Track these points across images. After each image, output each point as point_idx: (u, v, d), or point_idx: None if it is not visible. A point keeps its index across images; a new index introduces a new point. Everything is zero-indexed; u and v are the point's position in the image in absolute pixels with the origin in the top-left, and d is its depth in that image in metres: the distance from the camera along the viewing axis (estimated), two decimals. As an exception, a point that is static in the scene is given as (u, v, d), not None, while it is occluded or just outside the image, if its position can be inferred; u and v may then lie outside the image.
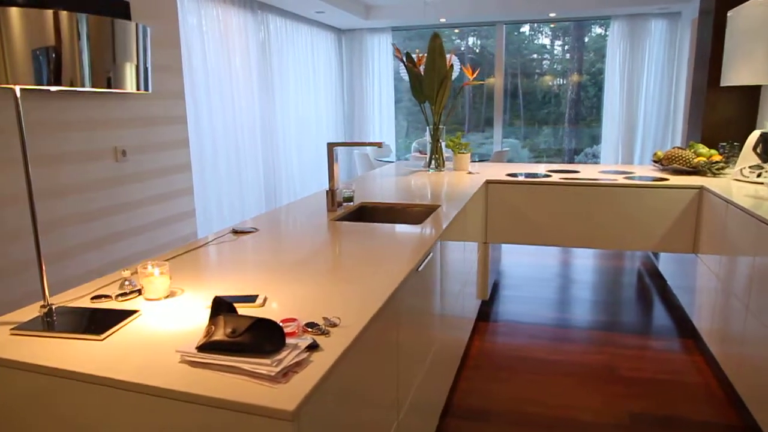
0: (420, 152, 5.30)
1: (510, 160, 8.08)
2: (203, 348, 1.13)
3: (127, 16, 3.17)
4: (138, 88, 1.27)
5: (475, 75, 3.87)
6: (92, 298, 1.49)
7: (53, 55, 1.14)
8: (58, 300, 1.49)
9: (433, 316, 2.12)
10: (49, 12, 1.13)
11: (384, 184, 3.38)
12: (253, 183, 5.74)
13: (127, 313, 1.37)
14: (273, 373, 1.04)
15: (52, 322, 1.32)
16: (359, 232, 2.17)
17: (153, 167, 3.49)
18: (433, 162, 3.98)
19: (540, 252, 5.18)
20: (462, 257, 2.78)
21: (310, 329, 1.24)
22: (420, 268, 1.79)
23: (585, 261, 4.93)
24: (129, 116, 3.28)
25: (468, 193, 2.99)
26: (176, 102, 3.68)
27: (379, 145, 2.49)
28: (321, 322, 1.29)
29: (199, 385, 1.03)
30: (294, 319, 1.29)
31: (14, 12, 1.11)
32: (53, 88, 1.17)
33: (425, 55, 3.67)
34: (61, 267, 2.90)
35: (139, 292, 1.52)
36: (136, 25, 1.24)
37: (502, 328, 3.49)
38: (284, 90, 6.30)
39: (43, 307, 1.34)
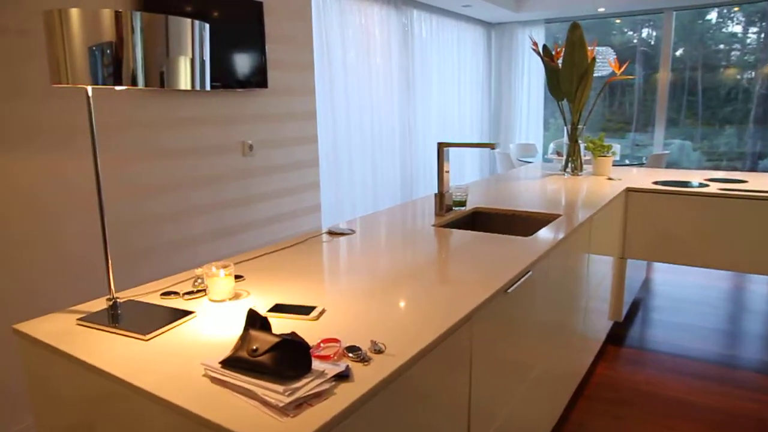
0: (558, 154, 4.91)
1: (674, 165, 7.24)
2: (226, 363, 1.06)
3: (260, 16, 3.27)
4: (193, 86, 1.22)
5: (622, 69, 3.44)
6: (162, 294, 1.50)
7: (109, 51, 1.12)
8: (133, 293, 1.52)
9: (534, 338, 1.88)
10: (107, 11, 1.12)
11: (507, 188, 3.13)
12: (388, 180, 5.74)
13: (183, 314, 1.35)
14: (282, 404, 0.93)
15: (116, 315, 1.34)
16: (457, 241, 1.99)
17: (279, 162, 3.59)
18: (569, 165, 3.63)
19: (700, 272, 4.53)
20: (586, 272, 2.47)
21: (350, 354, 1.11)
22: (510, 290, 1.57)
23: (754, 287, 4.21)
24: (258, 112, 3.39)
25: (599, 203, 2.65)
26: (307, 98, 3.75)
27: (491, 146, 2.28)
28: (367, 347, 1.16)
29: (207, 405, 0.95)
30: (336, 340, 1.17)
31: (73, 12, 1.11)
32: (119, 87, 1.16)
33: (564, 47, 3.34)
34: (191, 254, 3.08)
35: (206, 291, 1.50)
36: (192, 21, 1.20)
37: (633, 355, 3.08)
38: (426, 87, 6.21)
39: (108, 300, 1.36)
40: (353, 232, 2.18)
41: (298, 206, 3.77)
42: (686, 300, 3.89)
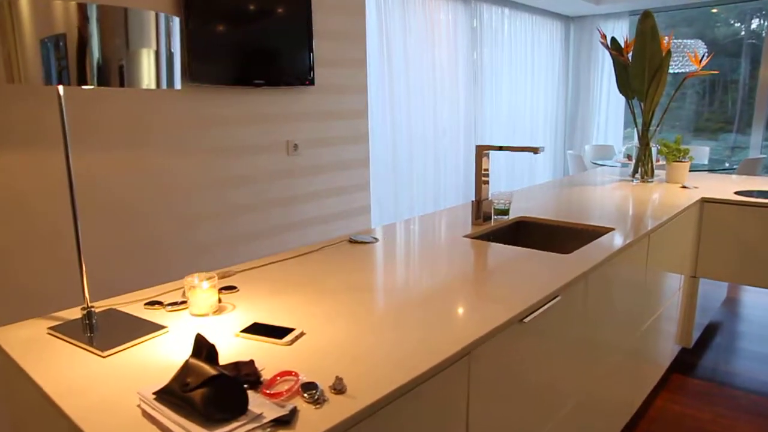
0: (628, 157, 4.51)
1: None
2: (159, 395, 0.94)
3: (308, 11, 3.17)
4: (159, 83, 1.11)
5: (703, 64, 3.07)
6: (146, 304, 1.42)
7: (62, 44, 1.04)
8: (119, 301, 1.45)
9: (564, 368, 1.65)
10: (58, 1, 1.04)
11: (563, 195, 2.87)
12: (451, 180, 5.53)
13: (154, 328, 1.25)
14: (197, 455, 0.80)
15: (91, 326, 1.27)
16: (483, 256, 1.79)
17: (326, 162, 3.49)
18: (639, 170, 3.29)
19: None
20: (642, 291, 2.19)
21: (305, 393, 0.97)
22: (527, 319, 1.36)
23: None
24: (304, 110, 3.31)
25: (665, 215, 2.35)
26: (357, 96, 3.63)
27: (535, 150, 2.05)
28: (328, 384, 1.00)
29: (121, 448, 0.84)
30: (294, 374, 1.03)
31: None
32: (86, 87, 1.07)
33: (635, 40, 3.02)
34: (231, 253, 3.05)
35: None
36: (156, 13, 1.09)
37: (702, 387, 2.73)
38: (495, 84, 5.94)
39: (83, 309, 1.29)
40: (376, 240, 2.03)
41: (345, 207, 3.67)
42: (774, 326, 3.44)
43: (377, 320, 1.28)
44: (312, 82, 3.26)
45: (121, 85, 1.07)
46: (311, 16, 3.20)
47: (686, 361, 2.99)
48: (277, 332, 1.23)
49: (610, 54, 3.18)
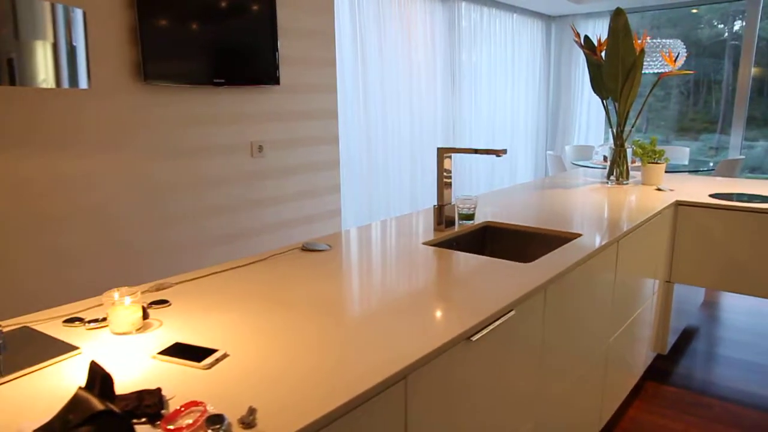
0: (604, 159, 4.44)
1: (758, 171, 6.54)
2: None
3: (272, 8, 3.06)
4: (59, 80, 1.00)
5: (678, 63, 3.00)
6: (64, 321, 1.30)
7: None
8: (40, 317, 1.33)
9: (522, 386, 1.56)
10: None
11: (533, 199, 2.78)
12: (428, 183, 5.44)
13: (65, 349, 1.14)
14: None
15: (-4, 347, 1.15)
16: (438, 266, 1.69)
17: (293, 163, 3.38)
18: (615, 172, 3.21)
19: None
20: (611, 299, 2.11)
21: (209, 428, 0.86)
22: (476, 337, 1.27)
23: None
24: (269, 111, 3.20)
25: (636, 219, 2.27)
26: (326, 96, 3.52)
27: (498, 153, 1.96)
28: (237, 417, 0.90)
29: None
30: (201, 405, 0.92)
31: None
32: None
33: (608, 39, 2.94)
34: (194, 257, 2.93)
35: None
36: (52, 3, 0.98)
37: (676, 396, 2.65)
38: (475, 84, 5.86)
39: (-12, 328, 1.18)
40: (329, 248, 1.92)
41: (315, 210, 3.56)
42: (754, 332, 3.38)
43: (311, 340, 1.18)
44: (277, 82, 3.15)
45: (11, 82, 0.96)
46: (276, 13, 3.09)
47: (661, 369, 2.92)
48: (197, 354, 1.12)
49: (584, 53, 3.10)
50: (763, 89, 6.78)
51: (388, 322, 1.25)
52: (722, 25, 6.97)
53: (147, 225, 2.71)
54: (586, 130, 7.09)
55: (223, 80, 2.89)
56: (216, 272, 1.66)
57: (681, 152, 6.12)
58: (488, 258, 1.75)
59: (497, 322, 1.34)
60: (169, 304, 1.42)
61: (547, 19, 7.10)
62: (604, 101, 3.14)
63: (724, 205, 2.60)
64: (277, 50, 3.12)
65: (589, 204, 2.62)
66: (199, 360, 1.09)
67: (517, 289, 1.45)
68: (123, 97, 2.57)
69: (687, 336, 3.32)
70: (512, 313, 1.41)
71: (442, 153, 2.08)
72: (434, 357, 1.15)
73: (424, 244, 1.95)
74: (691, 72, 3.15)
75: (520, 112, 6.73)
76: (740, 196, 2.76)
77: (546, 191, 2.99)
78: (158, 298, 1.46)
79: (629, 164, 3.19)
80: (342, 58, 4.28)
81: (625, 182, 3.19)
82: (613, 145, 3.19)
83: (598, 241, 1.94)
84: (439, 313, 1.30)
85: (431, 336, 1.18)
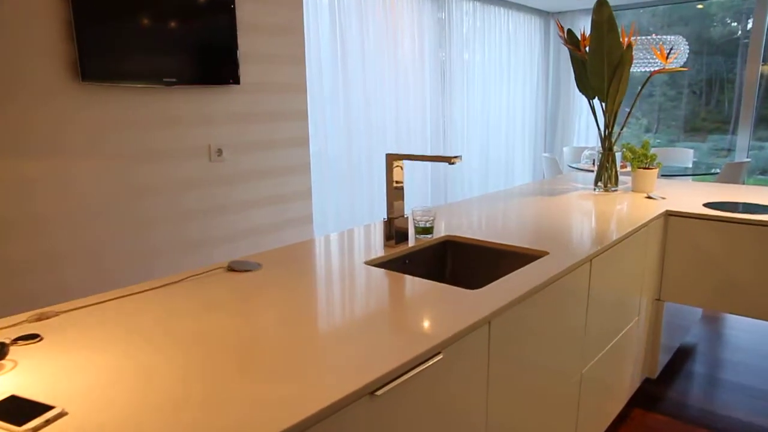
0: (594, 163, 4.17)
1: (764, 172, 6.24)
2: None
3: (229, 1, 2.84)
4: None
5: (671, 60, 2.74)
6: None
7: None
8: None
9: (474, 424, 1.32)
10: None
11: (507, 209, 2.54)
12: (416, 186, 5.20)
13: None
14: None
15: None
16: (371, 293, 1.46)
17: (258, 167, 3.16)
18: (603, 178, 2.96)
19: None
20: (583, 324, 1.86)
21: None
22: (381, 392, 1.03)
23: None
24: (229, 112, 2.98)
25: (618, 233, 2.02)
26: (294, 96, 3.30)
27: (449, 160, 1.72)
28: None
29: None
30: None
31: None
32: None
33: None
34: (145, 269, 2.72)
35: (-57, 367, 1.07)
36: None
37: (668, 426, 2.40)
38: (467, 84, 5.61)
39: None
40: (259, 267, 1.70)
41: (282, 217, 3.34)
42: (758, 352, 3.11)
43: (177, 393, 0.95)
44: (237, 81, 2.93)
45: None
46: (234, 7, 2.87)
47: (650, 393, 2.66)
48: (28, 412, 0.90)
49: (568, 49, 2.85)
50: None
51: (284, 371, 1.02)
52: (735, 23, 6.75)
53: (90, 234, 2.50)
54: (586, 131, 6.81)
55: (174, 79, 2.67)
56: (115, 298, 1.44)
57: (685, 154, 5.84)
58: (430, 282, 1.52)
59: (416, 370, 1.10)
60: (40, 339, 1.20)
61: (546, 15, 6.83)
62: (591, 101, 2.89)
63: (718, 216, 2.34)
64: (237, 47, 2.90)
65: (569, 214, 2.38)
66: (20, 422, 0.87)
67: (452, 324, 1.22)
68: (58, 98, 2.36)
69: (682, 355, 3.06)
70: (440, 356, 1.17)
71: (391, 160, 1.84)
72: (327, 416, 0.92)
73: (367, 263, 1.72)
74: (685, 69, 2.89)
75: (517, 113, 6.46)
76: (737, 206, 2.51)
77: (526, 199, 2.74)
78: (31, 332, 1.24)
79: (618, 169, 2.94)
80: (320, 55, 4.06)
81: (613, 189, 2.94)
82: (600, 149, 2.94)
83: (566, 261, 1.70)
84: (345, 359, 1.07)
85: (328, 391, 0.95)
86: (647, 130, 7.48)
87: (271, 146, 3.20)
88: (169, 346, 1.15)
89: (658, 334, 2.61)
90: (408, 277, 1.57)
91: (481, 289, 1.45)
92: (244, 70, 3.01)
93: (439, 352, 1.17)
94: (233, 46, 2.89)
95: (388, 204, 1.88)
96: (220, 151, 2.95)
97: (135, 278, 2.69)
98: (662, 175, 4.92)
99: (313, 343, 1.15)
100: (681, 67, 4.68)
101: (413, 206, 4.97)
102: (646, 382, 2.74)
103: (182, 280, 1.59)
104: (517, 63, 6.36)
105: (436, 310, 1.31)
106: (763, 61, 5.67)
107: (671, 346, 2.91)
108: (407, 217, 1.94)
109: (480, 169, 5.98)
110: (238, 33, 2.93)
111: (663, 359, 2.79)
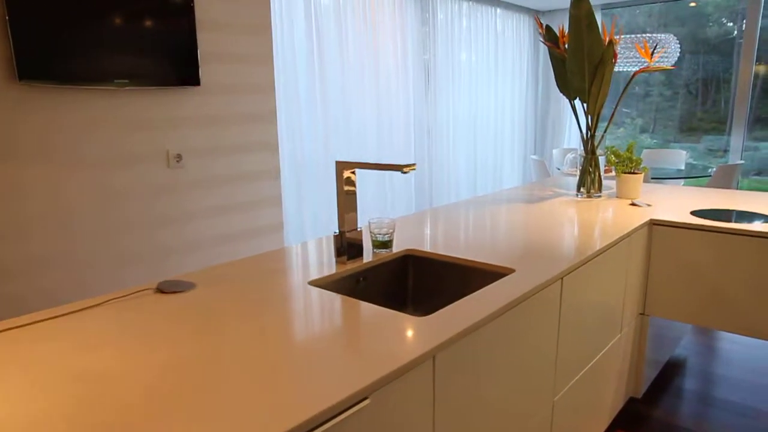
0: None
1: (760, 173, 6.10)
2: None
3: (188, -5, 2.68)
4: None
5: (655, 58, 2.57)
6: None
7: None
8: None
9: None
10: None
11: (480, 217, 2.37)
12: (400, 191, 5.03)
13: None
14: None
15: None
16: (309, 320, 1.29)
17: (222, 173, 2.99)
18: (586, 183, 2.79)
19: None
20: (555, 344, 1.69)
21: None
22: (291, 446, 0.86)
23: None
24: (188, 115, 2.81)
25: (595, 246, 1.85)
26: (261, 98, 3.13)
27: (399, 168, 1.55)
28: None
29: None
30: None
31: None
32: None
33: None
34: (100, 278, 2.55)
35: None
36: None
37: (653, 453, 2.23)
38: (453, 85, 5.44)
39: None
40: (192, 287, 1.53)
41: (249, 225, 3.17)
42: (752, 368, 2.94)
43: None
44: (197, 82, 2.76)
45: None
46: (194, 4, 2.70)
47: (635, 414, 2.49)
48: None
49: (547, 46, 2.69)
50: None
51: (180, 419, 0.85)
52: (731, 23, 6.67)
53: (41, 243, 2.33)
54: (577, 132, 6.64)
55: (126, 81, 2.50)
56: (23, 325, 1.26)
57: (677, 156, 5.68)
58: (374, 308, 1.34)
59: (334, 421, 0.93)
60: None
61: (535, 14, 6.67)
62: (572, 102, 2.72)
63: (704, 226, 2.17)
64: (197, 47, 2.73)
65: (546, 224, 2.21)
66: None
67: (386, 361, 1.05)
68: (12, 95, 2.19)
69: (671, 370, 2.89)
70: (366, 402, 1.00)
71: (341, 168, 1.67)
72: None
73: (311, 283, 1.55)
74: (671, 68, 2.72)
75: (506, 114, 6.30)
76: (727, 214, 2.34)
77: (503, 207, 2.58)
78: None
79: (602, 174, 2.77)
80: (294, 55, 3.89)
81: (596, 195, 2.77)
82: (582, 152, 2.77)
83: (532, 280, 1.53)
84: (248, 411, 0.90)
85: (201, 462, 0.78)
86: (643, 131, 7.35)
87: (236, 151, 3.03)
88: (60, 391, 0.97)
89: (643, 350, 2.45)
90: (351, 302, 1.40)
91: (429, 316, 1.28)
92: (206, 71, 2.84)
93: (365, 398, 1.00)
94: (192, 46, 2.72)
95: (339, 216, 1.71)
96: (179, 157, 2.78)
97: (95, 287, 2.52)
98: (653, 178, 4.75)
99: (219, 387, 0.98)
100: (672, 65, 4.52)
101: (392, 214, 4.81)
102: (631, 402, 2.57)
103: (103, 303, 1.42)
104: (505, 63, 6.19)
105: (372, 343, 1.14)
106: (756, 61, 5.52)
107: (659, 360, 2.75)
108: (361, 230, 1.77)
109: (468, 173, 5.81)
110: (198, 31, 2.76)
111: (650, 375, 2.62)
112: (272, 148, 3.22)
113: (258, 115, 3.11)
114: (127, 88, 2.54)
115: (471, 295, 1.42)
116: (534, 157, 5.26)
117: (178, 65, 2.68)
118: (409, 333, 1.19)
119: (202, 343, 1.17)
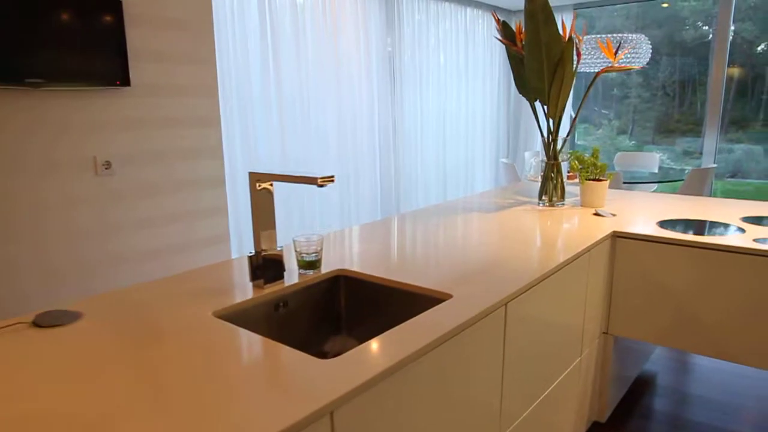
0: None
1: (734, 175, 6.01)
2: None
3: (113, -13, 2.44)
4: None
5: (619, 57, 2.40)
6: None
7: None
8: None
9: None
10: None
11: (427, 230, 2.17)
12: (366, 195, 4.82)
13: None
14: None
15: None
16: (202, 362, 1.08)
17: (158, 181, 2.76)
18: (548, 190, 2.61)
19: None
20: (499, 374, 1.50)
21: None
22: None
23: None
24: (117, 118, 2.57)
25: (550, 264, 1.67)
26: (202, 101, 2.90)
27: (314, 181, 1.35)
28: None
29: None
30: None
31: None
32: None
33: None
34: (13, 300, 2.31)
35: None
36: None
37: (617, 486, 2.05)
38: (421, 86, 5.25)
39: None
40: (76, 319, 1.31)
41: (191, 236, 2.94)
42: (724, 387, 2.78)
43: None
44: (127, 82, 2.53)
45: None
46: (120, -4, 2.47)
47: (599, 441, 2.32)
48: None
49: (504, 44, 2.50)
50: (745, 90, 6.34)
51: None
52: (707, 27, 6.66)
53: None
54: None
55: (41, 80, 2.26)
56: None
57: (651, 159, 5.56)
58: (277, 347, 1.14)
59: None
60: None
61: (507, 13, 6.51)
62: (532, 104, 2.54)
63: (670, 239, 2.00)
64: (125, 42, 2.50)
65: (498, 237, 2.02)
66: None
67: (267, 425, 0.84)
68: None
69: (639, 388, 2.72)
70: (229, 486, 0.79)
71: (255, 180, 1.46)
72: None
73: (216, 314, 1.34)
74: (636, 68, 2.56)
75: (477, 115, 6.12)
76: (697, 225, 2.17)
77: (456, 217, 2.39)
78: None
79: (565, 181, 2.59)
80: (247, 53, 3.67)
81: (559, 203, 2.59)
82: (543, 158, 2.59)
83: (470, 309, 1.33)
84: None
85: None
86: (621, 132, 7.26)
87: (173, 157, 2.80)
88: None
89: (607, 371, 2.27)
90: (252, 340, 1.19)
91: (335, 359, 1.08)
92: (138, 70, 2.61)
93: (227, 480, 0.79)
94: (120, 42, 2.49)
95: (254, 235, 1.50)
96: (108, 164, 2.55)
97: (5, 311, 2.28)
98: (626, 182, 4.61)
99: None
100: (643, 66, 4.38)
101: (354, 222, 4.60)
102: (595, 427, 2.39)
103: (-46, 344, 1.19)
104: (476, 62, 6.02)
105: (257, 399, 0.94)
106: (730, 64, 5.42)
107: (627, 377, 2.58)
108: (281, 250, 1.56)
109: (437, 176, 5.63)
110: (127, 26, 2.53)
111: (616, 396, 2.45)
112: (215, 153, 2.99)
113: (198, 118, 2.89)
114: (42, 88, 2.30)
115: (398, 326, 1.22)
116: (504, 160, 5.09)
117: (103, 63, 2.45)
118: (309, 382, 0.99)
119: (67, 393, 0.95)
